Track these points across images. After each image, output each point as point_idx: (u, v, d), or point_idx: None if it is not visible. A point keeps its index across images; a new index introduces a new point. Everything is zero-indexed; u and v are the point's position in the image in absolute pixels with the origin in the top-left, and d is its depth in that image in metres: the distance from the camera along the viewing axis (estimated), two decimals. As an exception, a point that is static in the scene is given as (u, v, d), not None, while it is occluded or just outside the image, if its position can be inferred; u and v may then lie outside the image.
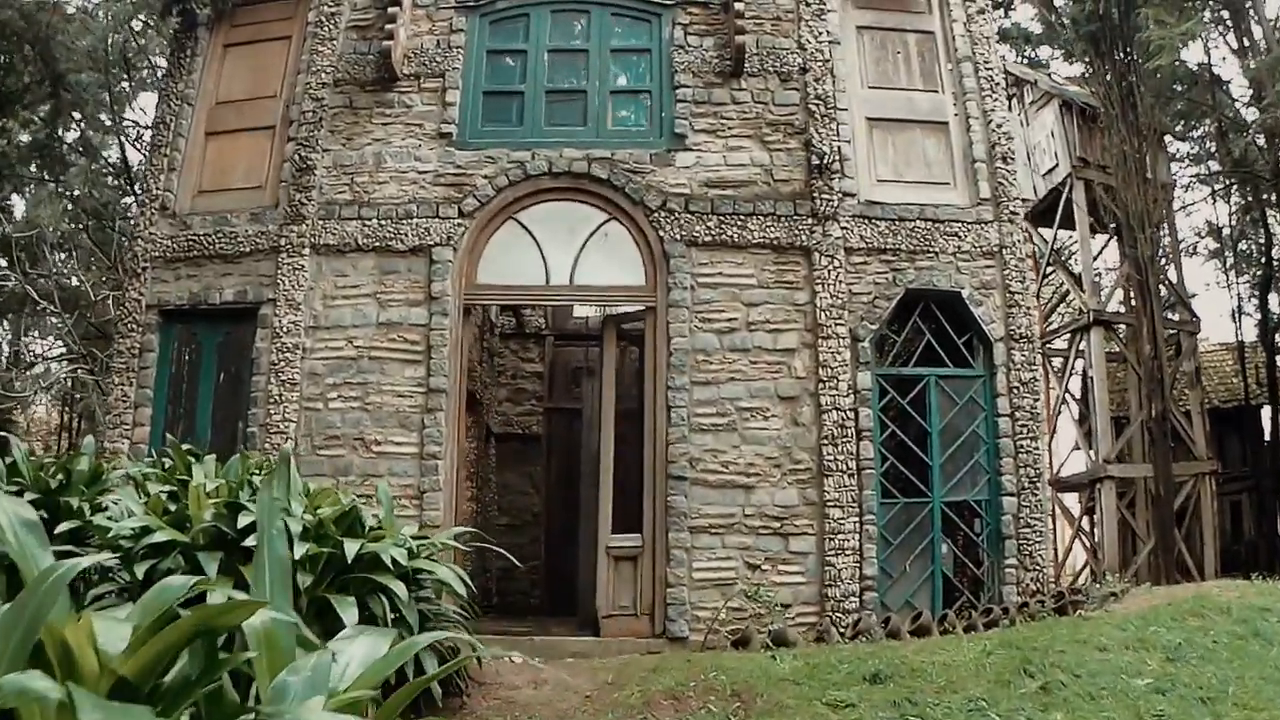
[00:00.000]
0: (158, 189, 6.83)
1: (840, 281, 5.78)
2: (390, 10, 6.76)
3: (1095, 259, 11.44)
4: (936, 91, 6.34)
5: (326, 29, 6.99)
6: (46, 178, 12.15)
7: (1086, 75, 10.88)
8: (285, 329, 6.13)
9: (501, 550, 4.83)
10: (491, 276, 6.27)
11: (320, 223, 6.40)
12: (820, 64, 6.32)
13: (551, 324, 9.69)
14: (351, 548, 3.02)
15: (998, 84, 6.38)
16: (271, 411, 6.03)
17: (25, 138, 12.07)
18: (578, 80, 6.94)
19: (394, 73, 6.64)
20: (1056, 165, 10.72)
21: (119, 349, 6.51)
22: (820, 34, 6.50)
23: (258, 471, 3.82)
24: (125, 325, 6.54)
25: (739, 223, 5.91)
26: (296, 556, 2.72)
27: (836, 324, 5.71)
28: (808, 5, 6.67)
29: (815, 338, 5.69)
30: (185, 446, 4.15)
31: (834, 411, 5.54)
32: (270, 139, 6.72)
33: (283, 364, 6.11)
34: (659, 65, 6.76)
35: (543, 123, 6.68)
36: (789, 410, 5.64)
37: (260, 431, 6.05)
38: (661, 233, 6.05)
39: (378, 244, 6.26)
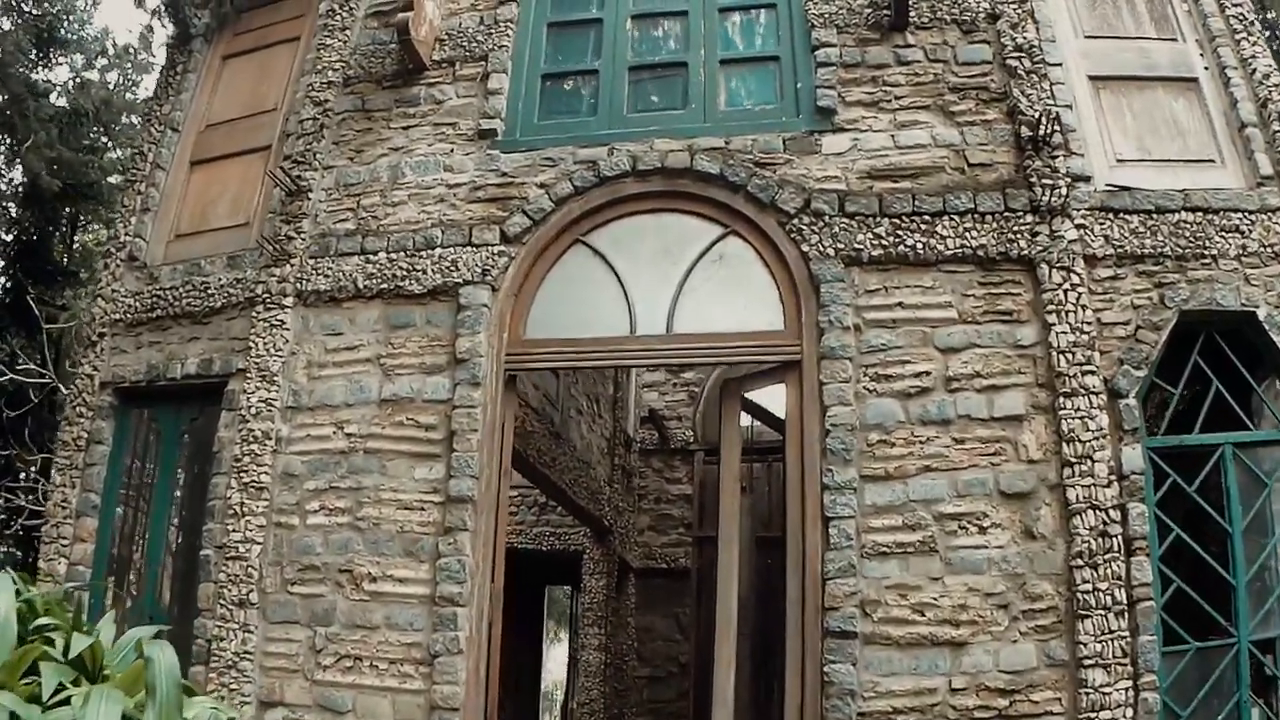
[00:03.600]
0: (127, 235, 7.13)
1: (1083, 307, 5.31)
2: None
3: None
4: (1175, 40, 6.28)
5: (340, 17, 7.25)
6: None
7: None
8: (254, 410, 5.99)
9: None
10: (547, 328, 6.01)
11: (310, 262, 6.35)
12: (1015, 6, 6.20)
13: (701, 436, 10.53)
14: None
15: (1252, 24, 6.26)
16: (231, 528, 5.76)
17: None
18: (674, 50, 6.81)
19: (419, 58, 6.68)
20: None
21: (62, 440, 6.64)
22: None
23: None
24: (74, 409, 6.66)
25: (923, 227, 5.57)
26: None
27: (1084, 372, 5.20)
28: None
29: (1053, 395, 5.17)
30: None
31: (1089, 511, 4.96)
32: (264, 162, 6.95)
33: (248, 460, 5.91)
34: (789, 22, 6.61)
35: (625, 108, 6.54)
36: (1018, 514, 5.06)
37: (216, 555, 5.76)
38: (806, 247, 5.69)
39: (385, 286, 6.14)
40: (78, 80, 12.95)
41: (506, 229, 6.19)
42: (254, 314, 6.33)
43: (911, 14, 6.30)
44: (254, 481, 5.92)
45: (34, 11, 11.59)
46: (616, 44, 6.90)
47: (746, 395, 6.20)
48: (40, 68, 12.56)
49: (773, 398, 6.29)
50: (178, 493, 6.58)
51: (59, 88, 12.90)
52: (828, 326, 5.56)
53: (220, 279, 6.61)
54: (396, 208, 6.49)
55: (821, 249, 5.75)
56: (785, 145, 6.14)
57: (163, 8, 8.28)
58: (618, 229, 6.22)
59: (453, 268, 6.15)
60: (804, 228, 5.83)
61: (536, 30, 7.08)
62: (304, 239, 6.50)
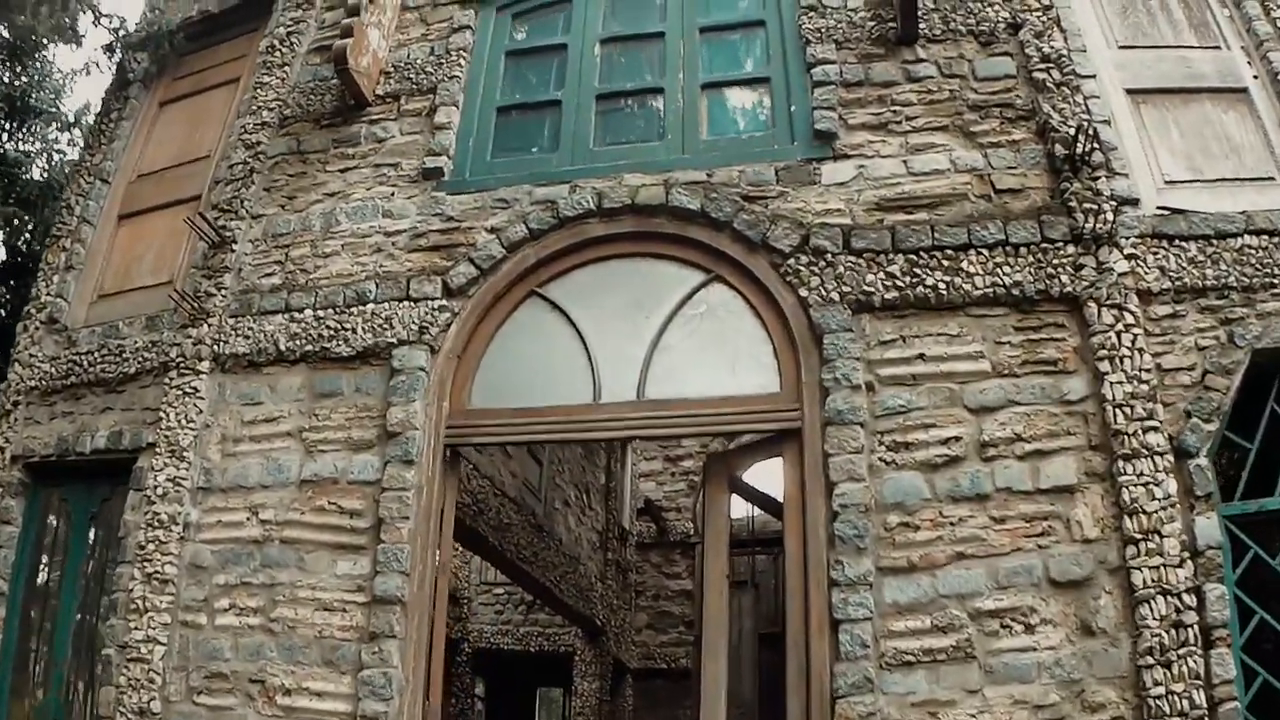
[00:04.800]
0: (48, 295, 7.27)
1: (1140, 351, 5.16)
2: (353, 1, 6.72)
3: None
4: (1219, 47, 6.36)
5: (280, 53, 7.40)
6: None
7: None
8: (160, 491, 5.90)
9: None
10: (496, 395, 5.81)
11: (230, 321, 6.31)
12: (1039, 14, 6.24)
13: (702, 529, 10.32)
14: None
15: (1299, 25, 6.23)
16: (133, 625, 5.62)
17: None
18: (648, 75, 6.70)
19: (359, 92, 6.70)
20: None
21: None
22: None
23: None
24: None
25: (946, 263, 5.43)
26: None
27: (1145, 429, 4.99)
28: None
29: (1109, 459, 4.94)
30: None
31: (1159, 598, 4.70)
32: (193, 214, 6.83)
33: (153, 548, 5.78)
34: (780, 39, 6.55)
35: (590, 141, 6.41)
36: (1073, 606, 4.78)
37: (118, 655, 5.62)
38: (805, 292, 5.48)
39: (310, 349, 6.02)
40: (50, 154, 13.44)
41: (450, 280, 5.98)
42: (166, 381, 6.27)
43: (922, 25, 6.20)
44: (158, 573, 5.73)
45: (5, 80, 12.06)
46: (582, 71, 6.75)
47: (737, 474, 5.82)
48: (12, 139, 13.17)
49: (772, 476, 5.97)
50: (86, 582, 6.52)
51: (31, 157, 13.37)
52: (833, 386, 5.24)
53: (137, 342, 6.58)
54: (328, 259, 6.42)
55: (824, 293, 5.50)
56: (778, 175, 5.94)
57: (101, 51, 8.54)
58: (580, 278, 6.02)
59: (386, 326, 5.94)
60: (802, 269, 5.59)
61: (493, 59, 7.03)
62: (224, 296, 6.45)
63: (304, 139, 7.00)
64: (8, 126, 12.75)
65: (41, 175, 12.81)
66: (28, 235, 12.35)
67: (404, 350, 5.85)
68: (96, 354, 6.70)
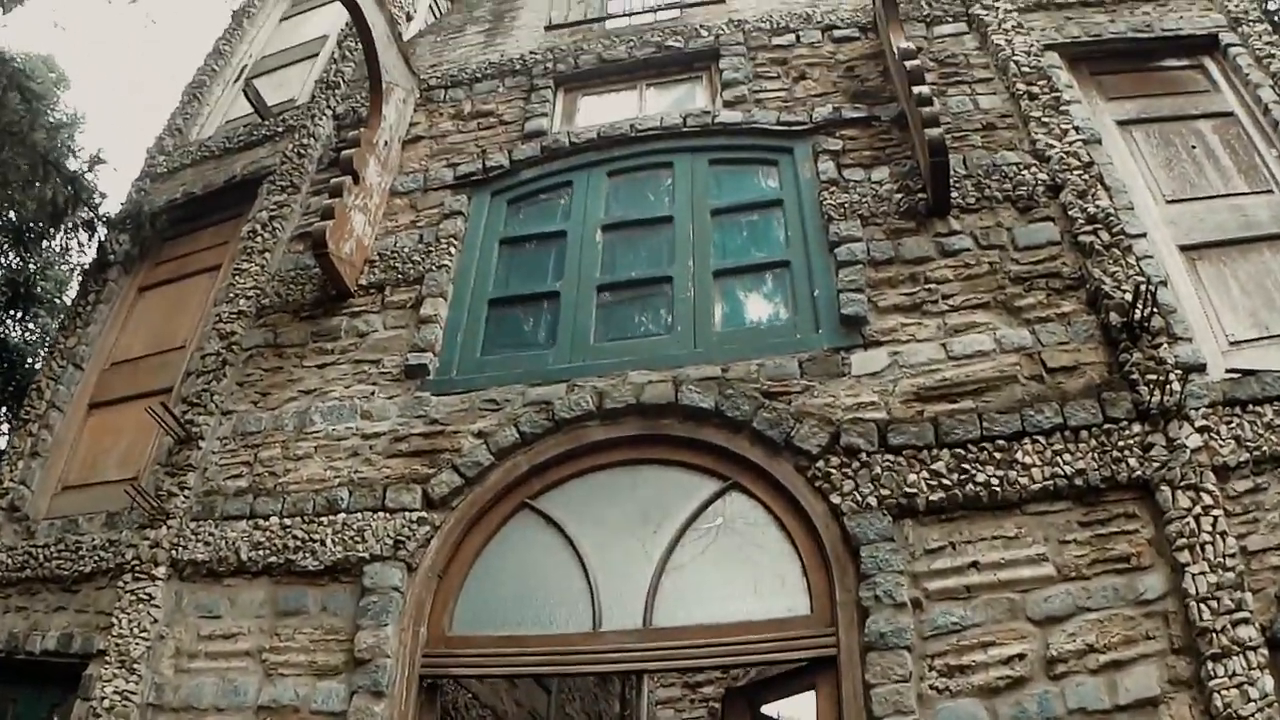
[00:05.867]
0: (11, 481, 7.46)
1: (1222, 534, 5.05)
2: (335, 181, 7.04)
3: None
4: (1272, 191, 6.68)
5: (261, 239, 7.73)
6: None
7: None
8: (108, 705, 5.75)
9: None
10: (482, 621, 5.67)
11: (191, 525, 6.32)
12: (1080, 173, 6.41)
13: None
14: None
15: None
16: None
17: None
18: (655, 263, 6.78)
19: (340, 280, 6.92)
20: None
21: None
22: (1068, 132, 6.70)
23: None
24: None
25: (998, 456, 5.35)
26: None
27: (1234, 622, 4.82)
28: (1033, 98, 6.93)
29: (1195, 662, 4.76)
30: None
31: None
32: (163, 407, 6.95)
33: None
34: (799, 218, 6.69)
35: (591, 336, 6.44)
36: None
37: None
38: (837, 498, 5.33)
39: (274, 560, 5.99)
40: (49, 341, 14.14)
41: (431, 490, 5.88)
42: (120, 585, 6.20)
43: (954, 194, 6.33)
44: (92, 813, 5.22)
45: (9, 264, 12.76)
46: (583, 260, 6.83)
47: (764, 710, 5.49)
48: (15, 325, 13.95)
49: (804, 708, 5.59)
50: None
51: (32, 347, 14.00)
52: (874, 605, 4.93)
53: (95, 539, 6.59)
54: (299, 462, 6.42)
55: (859, 499, 5.28)
56: (803, 368, 5.87)
57: (79, 227, 8.95)
58: (578, 489, 5.90)
59: (358, 538, 5.85)
60: (833, 472, 5.40)
61: (487, 247, 7.20)
62: (187, 496, 6.45)
63: (281, 331, 7.16)
64: (11, 312, 13.43)
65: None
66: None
67: (377, 567, 5.71)
68: (54, 548, 6.74)
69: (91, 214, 8.61)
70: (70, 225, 8.82)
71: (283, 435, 6.60)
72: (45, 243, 10.73)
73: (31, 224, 9.83)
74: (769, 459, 5.62)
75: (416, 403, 6.37)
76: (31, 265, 13.00)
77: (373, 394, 6.56)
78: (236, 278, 7.57)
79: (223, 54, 11.20)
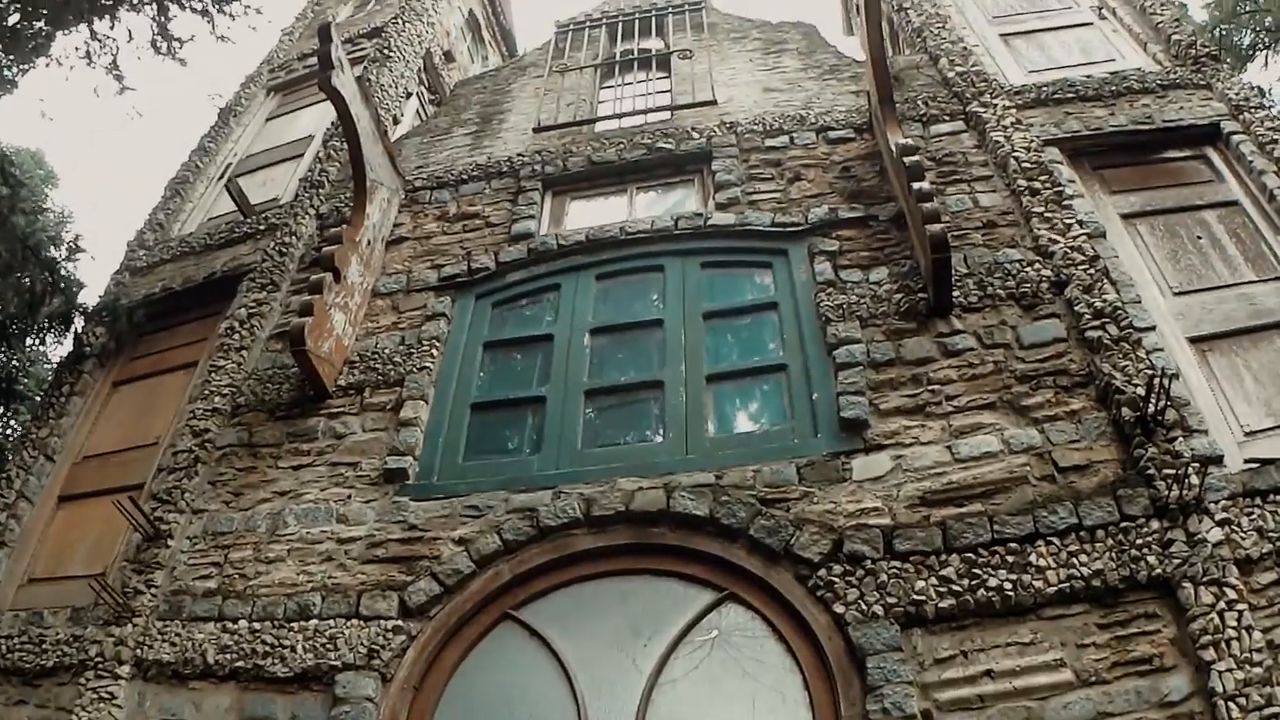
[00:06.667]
0: None
1: (1248, 630, 4.98)
2: (315, 278, 7.07)
3: None
4: (1278, 279, 6.74)
5: (239, 335, 7.81)
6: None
7: None
8: None
9: None
10: None
11: (158, 624, 6.27)
12: (1085, 268, 6.49)
13: None
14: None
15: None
16: None
17: None
18: (645, 368, 6.77)
19: (318, 379, 6.93)
20: None
21: None
22: (1071, 227, 6.79)
23: None
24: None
25: (1010, 559, 5.30)
26: None
27: (1263, 718, 4.70)
28: (1034, 194, 7.05)
29: None
30: None
31: None
32: (133, 503, 6.98)
33: None
34: (796, 321, 6.70)
35: (578, 442, 6.39)
36: None
37: None
38: (841, 608, 5.25)
39: (242, 665, 5.90)
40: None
41: (408, 598, 5.75)
42: (82, 682, 6.13)
43: (955, 293, 6.34)
44: None
45: None
46: (570, 364, 6.81)
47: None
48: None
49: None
50: None
51: (11, 442, 13.95)
52: (881, 718, 4.81)
53: (59, 634, 6.53)
54: (271, 565, 6.36)
55: (864, 608, 5.13)
56: (801, 474, 5.78)
57: (57, 318, 9.05)
58: (564, 600, 5.74)
59: (330, 646, 5.69)
60: (836, 581, 5.27)
61: (470, 350, 7.18)
62: (154, 595, 6.39)
63: (257, 431, 7.14)
64: None
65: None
66: None
67: (349, 676, 5.54)
68: (17, 640, 6.69)
69: (68, 305, 8.66)
70: (47, 315, 8.87)
71: (254, 537, 6.55)
72: (28, 339, 10.78)
73: (15, 319, 9.90)
74: (767, 568, 5.52)
75: (395, 508, 6.28)
76: (15, 362, 13.15)
77: (349, 497, 6.49)
78: (212, 375, 7.63)
79: (208, 151, 11.44)
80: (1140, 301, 6.43)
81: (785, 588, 5.41)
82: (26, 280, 8.46)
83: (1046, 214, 6.94)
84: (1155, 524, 5.23)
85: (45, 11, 9.21)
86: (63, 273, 8.86)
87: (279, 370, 7.44)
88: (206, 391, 7.52)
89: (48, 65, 9.75)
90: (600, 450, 6.37)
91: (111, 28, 9.68)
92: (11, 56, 9.50)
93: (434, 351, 7.13)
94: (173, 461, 7.16)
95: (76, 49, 9.71)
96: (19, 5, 9.26)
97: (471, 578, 5.83)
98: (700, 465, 6.04)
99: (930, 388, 6.08)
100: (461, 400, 6.88)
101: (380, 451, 6.64)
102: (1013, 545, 5.26)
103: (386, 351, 7.23)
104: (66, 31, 9.61)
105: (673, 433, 6.31)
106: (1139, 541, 5.18)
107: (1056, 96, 8.02)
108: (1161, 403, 5.51)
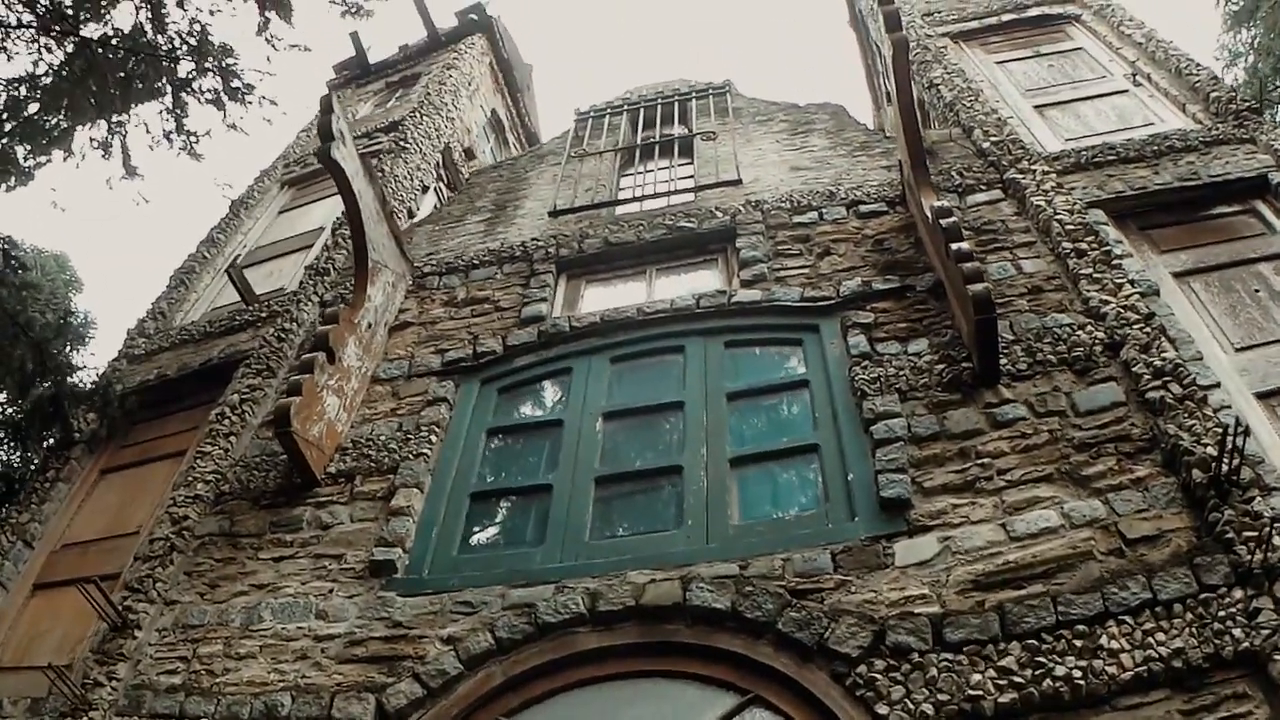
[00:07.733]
0: None
1: None
2: (307, 357, 6.94)
3: None
4: None
5: (229, 421, 7.72)
6: None
7: None
8: None
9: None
10: None
11: None
12: (1140, 327, 6.30)
13: None
14: None
15: None
16: None
17: None
18: (663, 453, 6.46)
19: (305, 465, 6.79)
20: None
21: None
22: (1122, 286, 6.62)
23: None
24: None
25: (1078, 644, 4.87)
26: None
27: None
28: (1081, 255, 6.85)
29: None
30: None
31: None
32: (107, 593, 6.84)
33: None
34: (828, 397, 6.41)
35: (587, 532, 6.07)
36: None
37: None
38: (884, 707, 4.78)
39: None
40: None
41: (387, 700, 5.35)
42: None
43: (1003, 362, 6.04)
44: None
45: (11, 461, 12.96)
46: (580, 450, 6.46)
47: None
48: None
49: None
50: None
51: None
52: None
53: None
54: (241, 662, 6.08)
55: (911, 707, 4.58)
56: (836, 561, 5.33)
57: (46, 404, 8.83)
58: (564, 706, 5.32)
59: None
60: (878, 677, 4.74)
61: (472, 437, 6.91)
62: (114, 688, 6.18)
63: (239, 519, 6.96)
64: (5, 507, 13.79)
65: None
66: None
67: (322, 797, 4.92)
68: None
69: (56, 388, 8.59)
70: (36, 398, 8.75)
71: (227, 631, 6.30)
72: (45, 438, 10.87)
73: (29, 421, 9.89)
74: (798, 667, 5.06)
75: (380, 603, 5.95)
76: (33, 465, 13.57)
77: (331, 591, 6.21)
78: (198, 461, 7.50)
79: (216, 242, 11.48)
80: (1202, 358, 6.22)
81: (819, 688, 4.96)
82: (17, 360, 8.32)
83: (1095, 275, 6.74)
84: (1238, 592, 4.81)
85: (65, 102, 9.16)
86: (52, 353, 8.84)
87: (267, 458, 7.26)
88: (190, 478, 7.36)
89: (66, 159, 9.74)
90: (610, 541, 6.01)
91: (128, 121, 9.66)
92: (28, 147, 9.54)
93: (432, 438, 6.84)
94: (148, 550, 7.00)
95: (92, 139, 9.67)
96: (38, 98, 9.26)
97: (459, 680, 5.43)
98: (722, 555, 5.64)
99: (979, 462, 5.69)
100: (460, 489, 6.57)
101: (367, 543, 6.37)
102: (1080, 628, 4.80)
103: (382, 438, 6.99)
104: (85, 125, 9.63)
105: (691, 520, 5.90)
106: (1221, 614, 4.72)
107: (1097, 160, 7.82)
108: (1235, 461, 5.19)
